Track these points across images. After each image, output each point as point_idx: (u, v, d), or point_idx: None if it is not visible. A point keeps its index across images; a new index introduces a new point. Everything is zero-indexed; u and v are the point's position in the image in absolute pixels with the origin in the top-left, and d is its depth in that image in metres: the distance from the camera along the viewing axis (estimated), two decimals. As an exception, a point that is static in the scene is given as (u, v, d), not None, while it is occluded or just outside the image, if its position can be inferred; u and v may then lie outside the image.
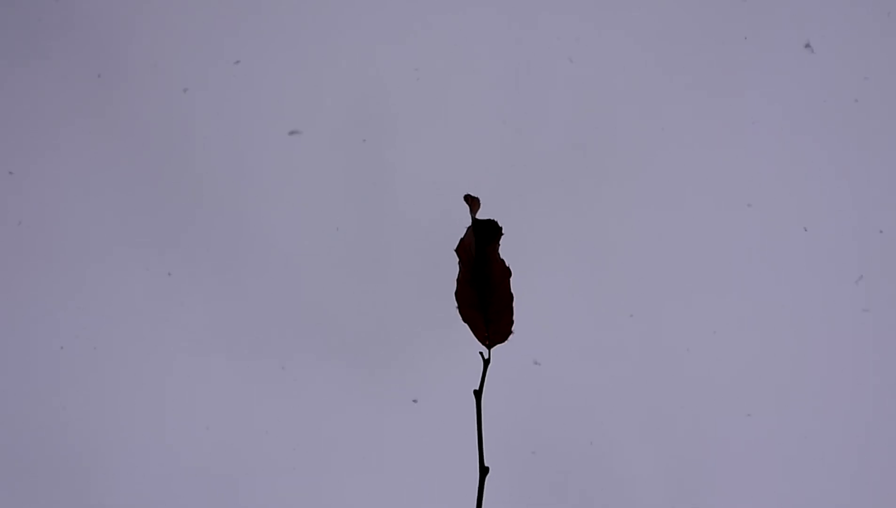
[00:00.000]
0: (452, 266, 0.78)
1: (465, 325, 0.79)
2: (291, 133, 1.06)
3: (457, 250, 0.77)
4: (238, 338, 1.06)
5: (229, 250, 1.06)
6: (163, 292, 1.05)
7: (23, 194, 1.04)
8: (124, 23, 1.07)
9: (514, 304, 0.78)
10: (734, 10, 1.09)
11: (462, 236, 0.77)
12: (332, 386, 1.05)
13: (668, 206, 1.09)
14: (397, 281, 1.06)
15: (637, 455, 1.06)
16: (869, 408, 1.06)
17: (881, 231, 1.05)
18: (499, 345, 0.79)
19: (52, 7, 1.06)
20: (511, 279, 0.78)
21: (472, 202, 0.75)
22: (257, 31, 1.08)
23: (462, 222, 0.78)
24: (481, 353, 0.78)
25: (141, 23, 1.08)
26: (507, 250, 0.80)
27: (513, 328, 0.78)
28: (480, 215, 0.79)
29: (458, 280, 0.78)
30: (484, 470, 0.76)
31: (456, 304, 0.78)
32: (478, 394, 0.78)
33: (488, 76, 1.09)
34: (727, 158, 1.09)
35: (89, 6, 1.07)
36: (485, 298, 0.78)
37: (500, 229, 0.76)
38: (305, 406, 1.05)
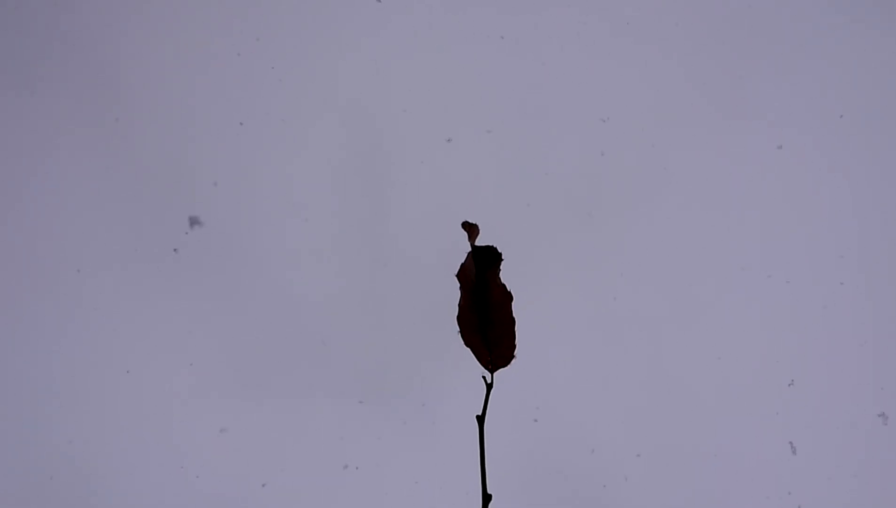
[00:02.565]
0: (456, 293, 0.78)
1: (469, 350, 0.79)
2: (295, 160, 1.07)
3: (458, 276, 0.77)
4: (242, 369, 1.06)
5: (229, 279, 1.07)
6: (165, 322, 1.06)
7: (18, 219, 1.05)
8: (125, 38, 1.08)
9: (516, 328, 0.78)
10: (740, 43, 1.08)
11: (463, 261, 0.77)
12: (335, 414, 1.05)
13: (676, 229, 1.08)
14: (402, 307, 1.06)
15: (643, 479, 1.05)
16: (882, 434, 1.05)
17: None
18: (502, 369, 0.79)
19: (56, 36, 1.08)
20: (513, 304, 0.78)
21: (471, 229, 0.75)
22: (256, 50, 1.08)
23: (465, 248, 0.78)
24: (484, 377, 0.78)
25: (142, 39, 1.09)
26: (511, 275, 0.80)
27: (515, 353, 0.78)
28: (481, 241, 0.79)
29: (459, 305, 0.78)
30: (487, 497, 0.76)
31: (458, 329, 0.78)
32: (481, 419, 0.77)
33: (492, 98, 1.09)
34: (735, 191, 1.08)
35: (90, 33, 1.08)
36: (486, 322, 0.77)
37: (500, 254, 0.76)
38: (305, 427, 1.06)
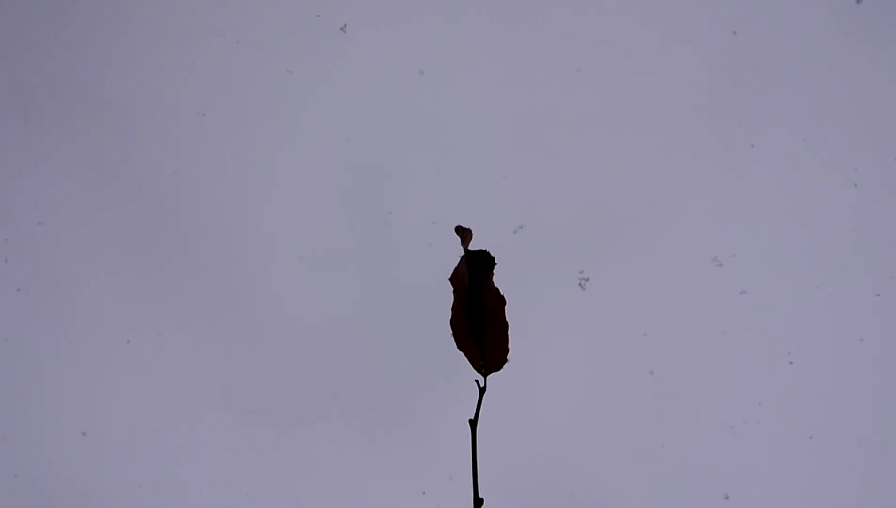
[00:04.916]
0: (450, 296, 0.78)
1: (464, 366, 0.79)
2: (288, 187, 1.07)
3: (451, 280, 0.77)
4: (238, 401, 1.07)
5: (225, 309, 1.07)
6: (160, 353, 1.07)
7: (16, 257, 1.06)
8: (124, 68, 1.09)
9: (509, 332, 0.78)
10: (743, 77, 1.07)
11: (456, 266, 0.77)
12: (325, 421, 1.05)
13: (681, 245, 1.08)
14: (392, 310, 1.07)
15: (640, 484, 1.05)
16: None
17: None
18: (495, 373, 0.78)
19: (50, 62, 1.08)
20: (507, 308, 0.78)
21: (464, 234, 0.75)
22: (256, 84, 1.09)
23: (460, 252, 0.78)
24: (477, 381, 0.78)
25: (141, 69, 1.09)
26: (506, 279, 0.80)
27: (509, 357, 0.78)
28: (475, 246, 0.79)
29: (452, 309, 0.78)
30: (478, 502, 0.76)
31: (451, 332, 0.78)
32: (473, 423, 0.77)
33: (488, 117, 1.09)
34: (743, 215, 1.07)
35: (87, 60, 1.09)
36: (480, 326, 0.77)
37: (493, 259, 0.76)
38: (295, 435, 1.06)
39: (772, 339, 1.06)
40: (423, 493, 1.04)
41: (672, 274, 1.08)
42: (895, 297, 1.06)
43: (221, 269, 1.07)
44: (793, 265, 1.08)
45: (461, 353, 0.78)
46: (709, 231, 1.08)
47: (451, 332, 0.78)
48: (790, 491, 1.05)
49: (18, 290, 1.05)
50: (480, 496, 0.77)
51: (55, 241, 1.07)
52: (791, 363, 1.06)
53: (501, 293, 0.77)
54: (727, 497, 1.05)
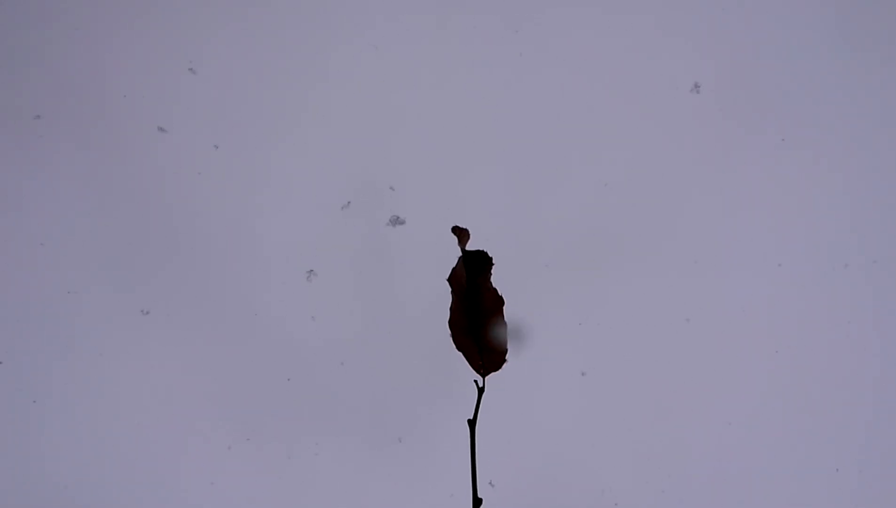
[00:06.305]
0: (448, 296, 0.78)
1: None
2: (290, 201, 1.08)
3: (449, 280, 0.78)
4: (236, 404, 1.07)
5: (224, 313, 1.08)
6: (160, 365, 1.07)
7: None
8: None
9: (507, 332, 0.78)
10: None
11: (454, 266, 0.77)
12: (324, 425, 1.06)
13: (678, 251, 1.08)
14: (392, 312, 1.07)
15: (639, 485, 1.05)
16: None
17: None
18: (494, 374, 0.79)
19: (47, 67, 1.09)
20: (504, 308, 0.78)
21: (461, 234, 0.75)
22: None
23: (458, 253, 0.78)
24: (476, 381, 0.78)
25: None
26: (504, 279, 0.80)
27: (507, 357, 0.78)
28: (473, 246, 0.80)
29: (451, 309, 0.78)
30: (477, 502, 0.76)
31: (450, 332, 0.78)
32: (472, 424, 0.77)
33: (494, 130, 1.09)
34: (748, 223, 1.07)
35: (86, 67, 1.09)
36: (478, 326, 0.78)
37: (491, 259, 0.76)
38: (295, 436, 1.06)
39: (774, 343, 1.07)
40: (421, 494, 1.04)
41: (672, 277, 1.08)
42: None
43: (219, 277, 1.07)
44: (795, 271, 1.08)
45: (460, 353, 0.78)
46: (710, 235, 1.08)
47: (449, 332, 0.78)
48: (792, 495, 1.05)
49: (20, 301, 1.06)
50: (479, 496, 0.77)
51: (57, 253, 1.07)
52: (793, 368, 1.07)
53: (500, 293, 0.77)
54: (727, 499, 1.05)
